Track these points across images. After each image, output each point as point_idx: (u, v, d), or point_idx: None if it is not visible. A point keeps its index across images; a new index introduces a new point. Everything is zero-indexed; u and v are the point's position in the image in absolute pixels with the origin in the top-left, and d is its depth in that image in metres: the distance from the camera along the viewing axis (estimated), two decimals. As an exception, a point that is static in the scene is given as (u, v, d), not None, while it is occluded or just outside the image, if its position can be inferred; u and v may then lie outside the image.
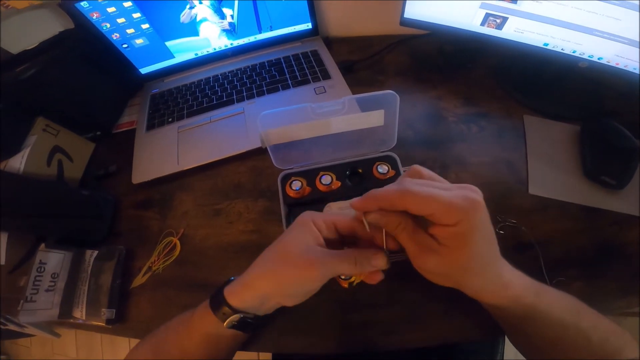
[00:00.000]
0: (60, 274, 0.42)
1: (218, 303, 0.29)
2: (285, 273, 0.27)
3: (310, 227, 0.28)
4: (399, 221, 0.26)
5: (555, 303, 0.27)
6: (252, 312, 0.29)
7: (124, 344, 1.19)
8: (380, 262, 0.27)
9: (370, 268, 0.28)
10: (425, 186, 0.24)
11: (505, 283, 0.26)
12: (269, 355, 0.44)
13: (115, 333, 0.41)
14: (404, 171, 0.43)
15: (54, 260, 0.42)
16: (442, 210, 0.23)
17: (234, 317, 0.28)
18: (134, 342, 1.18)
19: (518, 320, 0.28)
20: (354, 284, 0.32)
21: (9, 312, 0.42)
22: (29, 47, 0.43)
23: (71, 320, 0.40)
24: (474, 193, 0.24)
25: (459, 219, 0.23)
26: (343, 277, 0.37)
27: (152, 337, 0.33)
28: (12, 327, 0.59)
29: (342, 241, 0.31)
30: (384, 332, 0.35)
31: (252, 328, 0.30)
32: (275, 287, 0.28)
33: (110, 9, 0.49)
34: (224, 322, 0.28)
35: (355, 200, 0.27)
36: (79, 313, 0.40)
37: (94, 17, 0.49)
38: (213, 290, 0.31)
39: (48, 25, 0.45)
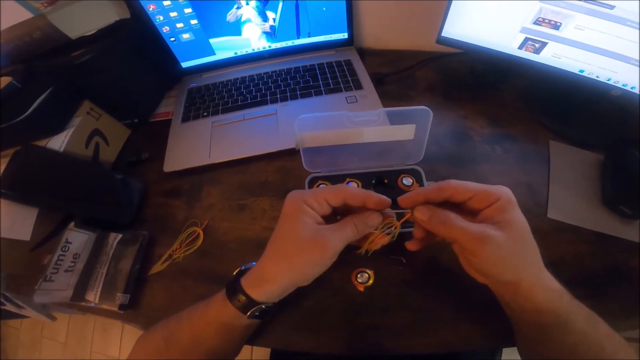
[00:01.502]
0: (82, 255, 0.42)
1: (237, 296, 0.30)
2: (300, 260, 0.28)
3: (305, 209, 0.29)
4: (446, 212, 0.28)
5: (579, 308, 0.28)
6: (273, 301, 0.31)
7: (117, 332, 1.18)
8: (374, 220, 0.29)
9: (367, 228, 0.29)
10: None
11: (550, 276, 0.28)
12: (262, 352, 0.44)
13: (125, 319, 0.41)
14: (427, 185, 0.43)
15: (78, 240, 0.43)
16: (483, 191, 0.27)
17: (257, 308, 0.29)
18: (128, 331, 1.19)
19: (549, 327, 0.27)
20: (369, 253, 0.32)
21: (23, 291, 0.43)
22: (87, 34, 0.45)
23: (82, 303, 0.40)
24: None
25: (498, 196, 0.27)
26: (360, 280, 0.38)
27: (164, 326, 0.33)
28: (9, 307, 0.60)
29: (335, 212, 0.32)
30: (392, 336, 0.35)
31: (272, 314, 0.32)
32: (294, 276, 0.29)
33: (166, 2, 0.52)
34: (245, 313, 0.29)
35: (401, 197, 0.30)
36: (92, 296, 0.39)
37: (150, 9, 0.52)
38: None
39: (106, 13, 0.47)
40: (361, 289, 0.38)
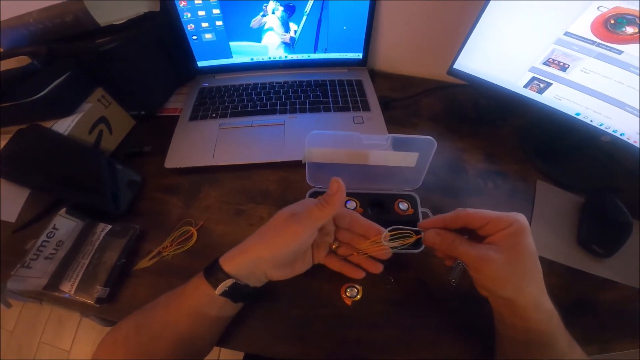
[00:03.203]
0: (65, 243, 0.41)
1: (213, 270, 0.31)
2: (272, 235, 0.31)
3: (308, 203, 0.33)
4: (454, 237, 0.31)
5: (564, 332, 0.30)
6: (244, 281, 0.31)
7: (72, 324, 1.14)
8: (334, 184, 0.31)
9: (330, 198, 0.31)
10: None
11: (547, 299, 0.30)
12: (230, 353, 0.44)
13: (101, 313, 0.40)
14: (422, 212, 0.45)
15: (66, 227, 0.41)
16: (497, 217, 0.29)
17: (227, 282, 0.30)
18: (85, 324, 1.13)
19: (534, 345, 0.29)
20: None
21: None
22: (117, 22, 0.45)
23: (55, 294, 0.37)
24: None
25: (511, 222, 0.29)
26: (348, 294, 0.39)
27: (138, 313, 0.33)
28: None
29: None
30: (375, 351, 0.36)
31: (242, 297, 0.32)
32: (267, 249, 0.31)
33: (197, 1, 0.53)
34: (216, 288, 0.30)
35: (422, 222, 0.35)
36: (68, 287, 0.37)
37: (181, 5, 0.52)
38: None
39: (137, 4, 0.47)
40: (349, 303, 0.39)
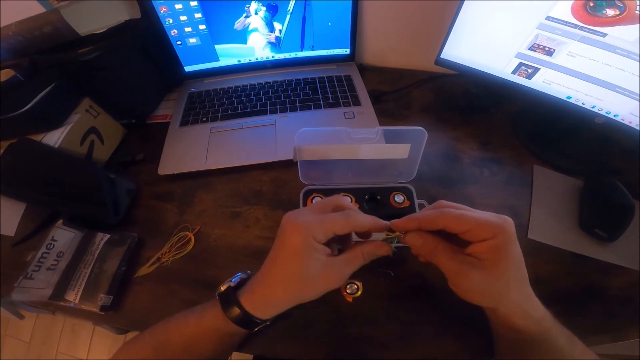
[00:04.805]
0: (66, 254, 0.41)
1: (236, 313, 0.29)
2: (311, 291, 0.29)
3: (315, 246, 0.28)
4: (436, 243, 0.28)
5: (560, 330, 0.29)
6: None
7: (86, 334, 1.15)
8: (383, 251, 0.30)
9: (375, 257, 0.30)
10: (461, 209, 0.28)
11: (534, 304, 0.29)
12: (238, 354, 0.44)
13: (105, 321, 0.40)
14: (418, 203, 0.45)
15: (65, 238, 0.42)
16: (479, 225, 0.26)
17: (260, 323, 0.30)
18: (98, 333, 1.14)
19: (529, 344, 0.29)
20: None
21: (2, 288, 0.41)
22: (97, 31, 0.45)
23: (61, 303, 0.38)
24: (504, 215, 0.27)
25: (495, 232, 0.26)
26: (349, 291, 0.39)
27: (152, 335, 0.32)
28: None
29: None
30: (377, 348, 0.36)
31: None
32: (300, 301, 0.29)
33: (178, 6, 0.53)
34: (248, 327, 0.30)
35: (395, 220, 0.30)
36: (73, 296, 0.38)
37: (162, 11, 0.52)
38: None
39: (117, 12, 0.47)
40: (350, 300, 0.38)
